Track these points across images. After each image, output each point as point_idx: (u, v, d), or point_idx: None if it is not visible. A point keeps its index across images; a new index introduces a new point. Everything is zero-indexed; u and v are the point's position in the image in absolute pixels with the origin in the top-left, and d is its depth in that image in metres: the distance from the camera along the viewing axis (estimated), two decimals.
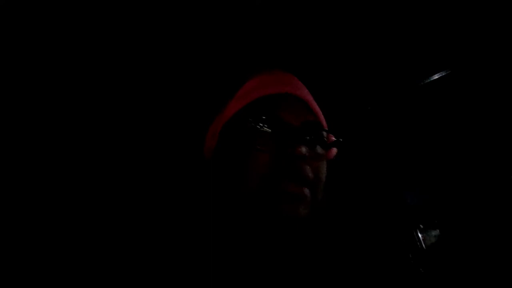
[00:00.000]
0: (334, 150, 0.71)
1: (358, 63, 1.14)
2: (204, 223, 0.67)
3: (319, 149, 0.67)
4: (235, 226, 0.65)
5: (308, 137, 0.65)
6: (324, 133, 0.69)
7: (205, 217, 0.69)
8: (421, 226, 1.16)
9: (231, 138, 0.67)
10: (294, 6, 0.96)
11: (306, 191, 0.63)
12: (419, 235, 1.22)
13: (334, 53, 1.09)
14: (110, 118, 1.03)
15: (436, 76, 1.17)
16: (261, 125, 0.64)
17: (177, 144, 0.99)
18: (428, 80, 1.17)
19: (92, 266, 0.63)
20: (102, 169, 1.00)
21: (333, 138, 0.70)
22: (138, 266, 0.61)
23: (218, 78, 0.92)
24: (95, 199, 0.98)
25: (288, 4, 0.95)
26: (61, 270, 0.69)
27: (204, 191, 0.73)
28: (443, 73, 1.15)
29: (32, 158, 0.99)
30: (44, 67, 0.94)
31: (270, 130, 0.64)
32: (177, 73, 1.06)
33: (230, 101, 0.69)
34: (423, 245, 1.16)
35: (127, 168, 0.99)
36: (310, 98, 0.73)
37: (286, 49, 1.07)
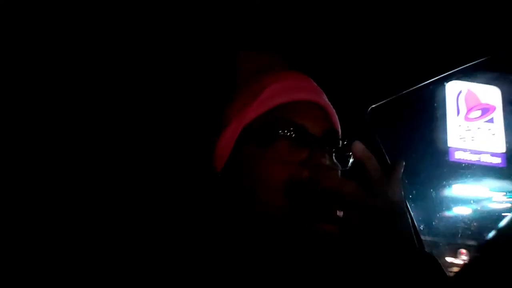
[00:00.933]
0: (347, 161, 0.69)
1: (361, 64, 1.14)
2: (214, 236, 0.65)
3: (337, 159, 0.67)
4: (249, 242, 0.63)
5: (328, 147, 0.64)
6: (341, 142, 0.68)
7: (214, 229, 0.67)
8: None
9: (252, 144, 0.64)
10: (294, 6, 0.96)
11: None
12: None
13: (334, 52, 1.09)
14: (109, 120, 1.03)
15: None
16: (285, 133, 0.62)
17: (180, 150, 0.97)
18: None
19: (91, 266, 0.63)
20: (103, 172, 1.00)
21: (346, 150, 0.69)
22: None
23: (216, 79, 0.91)
24: (97, 202, 0.98)
25: (288, 4, 0.95)
26: (60, 269, 0.68)
27: (214, 203, 0.71)
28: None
29: (30, 158, 1.00)
30: (44, 67, 0.94)
31: (293, 139, 0.63)
32: (176, 74, 1.06)
33: (251, 104, 0.67)
34: None
35: (123, 173, 0.99)
36: (328, 104, 0.72)
37: (286, 49, 1.07)
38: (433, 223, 4.53)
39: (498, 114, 3.58)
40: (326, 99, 0.72)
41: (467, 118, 3.54)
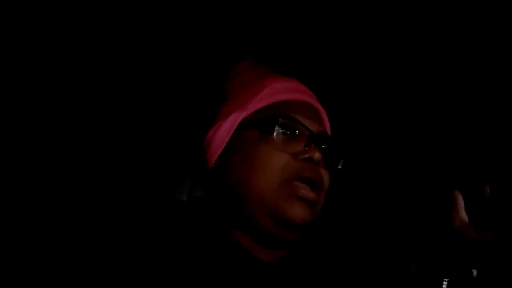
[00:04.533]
0: (338, 163, 0.72)
1: (359, 66, 1.14)
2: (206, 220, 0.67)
3: (329, 159, 0.68)
4: (236, 227, 0.66)
5: (323, 146, 0.67)
6: (334, 145, 0.70)
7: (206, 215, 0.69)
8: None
9: (253, 133, 0.67)
10: (294, 6, 0.96)
11: (317, 196, 0.64)
12: None
13: (331, 54, 1.09)
14: (99, 116, 1.03)
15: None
16: (285, 126, 0.66)
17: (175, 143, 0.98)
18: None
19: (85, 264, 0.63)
20: (90, 169, 1.01)
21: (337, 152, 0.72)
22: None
23: (212, 79, 0.91)
24: (87, 198, 0.98)
25: (288, 4, 0.95)
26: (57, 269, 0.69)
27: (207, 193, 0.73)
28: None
29: (27, 158, 1.00)
30: (44, 67, 0.94)
31: (291, 133, 0.66)
32: (174, 73, 1.06)
33: (251, 99, 0.70)
34: None
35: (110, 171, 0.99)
36: (321, 108, 0.75)
37: (285, 49, 1.07)
38: None
39: None
40: (319, 103, 0.76)
41: None
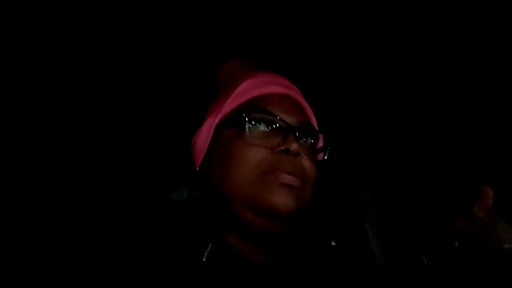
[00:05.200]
0: (322, 154, 0.71)
1: (356, 65, 1.14)
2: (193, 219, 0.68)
3: (310, 150, 0.68)
4: (222, 222, 0.66)
5: (301, 136, 0.66)
6: (316, 134, 0.70)
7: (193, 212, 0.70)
8: None
9: (227, 132, 0.67)
10: (293, 6, 0.96)
11: (298, 181, 0.63)
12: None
13: (331, 54, 1.09)
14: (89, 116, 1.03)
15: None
16: (258, 121, 0.65)
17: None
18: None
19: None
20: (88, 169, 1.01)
21: (321, 142, 0.72)
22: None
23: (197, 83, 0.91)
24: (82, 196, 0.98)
25: (287, 4, 0.95)
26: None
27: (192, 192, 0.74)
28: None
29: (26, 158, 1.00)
30: (44, 67, 0.94)
31: (266, 127, 0.65)
32: (163, 75, 1.06)
33: (227, 99, 0.70)
34: None
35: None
36: (303, 100, 0.75)
37: (285, 48, 1.07)
38: None
39: None
40: (301, 95, 0.75)
41: None
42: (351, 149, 1.25)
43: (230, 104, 0.70)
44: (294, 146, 0.62)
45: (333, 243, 0.76)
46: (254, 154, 0.62)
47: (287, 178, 0.61)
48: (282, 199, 0.61)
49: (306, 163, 0.65)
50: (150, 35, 0.99)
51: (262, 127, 0.65)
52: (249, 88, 0.71)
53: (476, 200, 0.58)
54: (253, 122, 0.65)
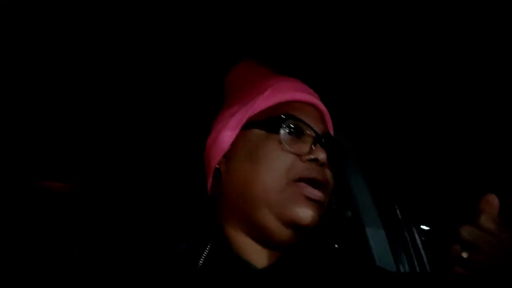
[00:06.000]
0: (340, 163, 0.72)
1: (361, 68, 1.14)
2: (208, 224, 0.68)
3: (332, 160, 0.69)
4: (241, 228, 0.66)
5: (327, 147, 0.67)
6: (337, 145, 0.71)
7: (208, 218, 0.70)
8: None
9: (258, 133, 0.67)
10: (293, 6, 0.95)
11: (324, 196, 0.64)
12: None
13: (335, 55, 1.09)
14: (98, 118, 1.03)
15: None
16: (291, 127, 0.66)
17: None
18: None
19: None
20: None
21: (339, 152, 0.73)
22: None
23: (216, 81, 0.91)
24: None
25: (287, 4, 0.94)
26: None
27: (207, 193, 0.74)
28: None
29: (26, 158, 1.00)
30: (44, 67, 0.93)
31: (297, 133, 0.66)
32: (175, 74, 1.06)
33: (255, 99, 0.71)
34: None
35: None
36: (324, 108, 0.76)
37: (283, 48, 1.07)
38: None
39: None
40: (323, 104, 0.77)
41: None
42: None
43: (261, 103, 0.70)
44: (322, 156, 0.64)
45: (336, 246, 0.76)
46: (285, 160, 0.63)
47: (316, 194, 0.63)
48: (309, 214, 0.62)
49: (329, 172, 0.67)
50: (151, 33, 0.98)
51: (293, 134, 0.66)
52: (281, 91, 0.71)
53: (480, 210, 0.55)
54: (286, 127, 0.65)
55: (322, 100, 0.75)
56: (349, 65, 1.12)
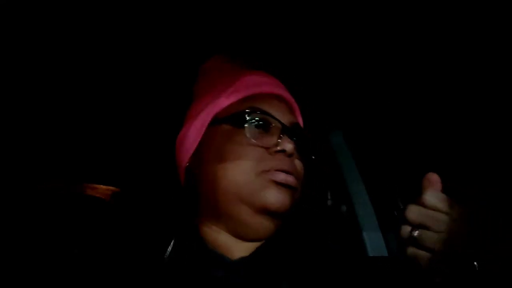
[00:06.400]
0: (311, 153, 0.72)
1: (354, 65, 1.15)
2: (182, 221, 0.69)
3: (301, 150, 0.69)
4: (214, 222, 0.67)
5: (294, 137, 0.68)
6: (305, 135, 0.71)
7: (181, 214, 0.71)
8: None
9: (224, 129, 0.68)
10: (292, 6, 0.96)
11: (294, 181, 0.65)
12: None
13: (312, 51, 1.09)
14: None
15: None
16: (256, 120, 0.66)
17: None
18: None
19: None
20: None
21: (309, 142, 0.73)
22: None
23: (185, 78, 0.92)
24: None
25: (286, 4, 0.95)
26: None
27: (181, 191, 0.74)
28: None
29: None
30: (44, 67, 0.94)
31: (263, 126, 0.66)
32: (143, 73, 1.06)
33: (220, 96, 0.71)
34: None
35: None
36: (292, 100, 0.76)
37: (277, 47, 1.07)
38: None
39: None
40: (290, 95, 0.76)
41: None
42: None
43: (225, 100, 0.70)
44: (290, 147, 0.64)
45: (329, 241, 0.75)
46: (252, 153, 0.64)
47: (284, 178, 0.63)
48: (279, 198, 0.62)
49: (298, 162, 0.67)
50: (131, 31, 0.99)
51: (259, 127, 0.66)
52: (246, 85, 0.72)
53: (424, 188, 0.54)
54: (251, 122, 0.66)
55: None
56: (341, 61, 1.13)
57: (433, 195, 0.53)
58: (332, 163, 1.35)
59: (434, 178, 0.55)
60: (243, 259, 0.63)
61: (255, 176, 0.63)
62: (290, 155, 0.65)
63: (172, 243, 0.64)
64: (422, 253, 0.51)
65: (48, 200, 1.22)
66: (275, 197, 0.62)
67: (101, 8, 0.86)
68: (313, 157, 0.71)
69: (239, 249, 0.65)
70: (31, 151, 1.14)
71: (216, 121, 0.69)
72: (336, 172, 1.30)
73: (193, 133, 0.71)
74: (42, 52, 0.96)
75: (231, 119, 0.67)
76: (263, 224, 0.64)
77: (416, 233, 0.52)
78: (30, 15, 0.83)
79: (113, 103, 1.16)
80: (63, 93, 1.11)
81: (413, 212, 0.52)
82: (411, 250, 0.52)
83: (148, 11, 0.90)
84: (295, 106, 0.76)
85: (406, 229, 0.53)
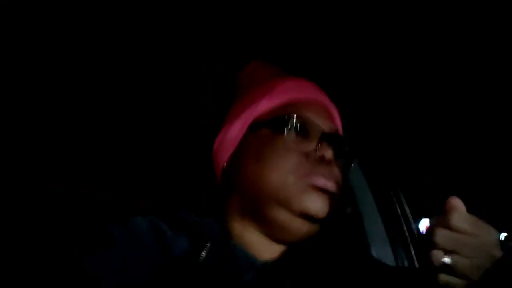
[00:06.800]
0: (350, 161, 0.72)
1: (364, 67, 1.14)
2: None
3: (340, 158, 0.69)
4: (252, 225, 0.67)
5: (334, 144, 0.67)
6: (345, 142, 0.72)
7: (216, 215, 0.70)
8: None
9: (264, 132, 0.68)
10: (292, 6, 0.95)
11: (334, 187, 0.65)
12: None
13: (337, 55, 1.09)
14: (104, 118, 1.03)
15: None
16: (297, 125, 0.66)
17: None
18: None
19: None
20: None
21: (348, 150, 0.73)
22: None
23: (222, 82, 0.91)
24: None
25: (286, 4, 0.94)
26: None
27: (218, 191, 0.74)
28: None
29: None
30: (45, 67, 0.92)
31: (304, 132, 0.67)
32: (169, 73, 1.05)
33: (261, 99, 0.71)
34: None
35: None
36: (332, 106, 0.77)
37: (283, 47, 1.06)
38: None
39: None
40: (329, 101, 0.77)
41: None
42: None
43: (265, 104, 0.71)
44: (329, 153, 0.65)
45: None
46: (291, 158, 0.64)
47: (324, 183, 0.63)
48: (318, 203, 0.63)
49: (336, 169, 0.67)
50: (150, 35, 0.98)
51: (299, 132, 0.66)
52: (287, 90, 0.72)
53: (449, 212, 0.51)
54: (291, 126, 0.66)
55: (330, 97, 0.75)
56: (346, 63, 1.13)
57: (462, 218, 0.50)
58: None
59: (454, 201, 0.52)
60: (273, 262, 0.64)
61: (294, 180, 0.63)
62: (329, 162, 0.65)
63: (208, 246, 0.63)
64: (457, 281, 0.49)
65: (48, 200, 1.22)
66: (314, 202, 0.63)
67: (118, 9, 0.85)
68: (352, 165, 0.73)
69: (269, 250, 0.65)
70: (31, 151, 1.14)
71: (256, 124, 0.70)
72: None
73: (232, 135, 0.71)
74: (42, 52, 0.96)
75: (272, 123, 0.68)
76: (299, 227, 0.64)
77: (448, 260, 0.48)
78: (30, 15, 0.82)
79: (113, 103, 1.15)
80: (63, 93, 1.10)
81: (443, 236, 0.49)
82: (444, 277, 0.49)
83: (164, 13, 0.89)
84: (335, 113, 0.77)
85: (438, 255, 0.49)
